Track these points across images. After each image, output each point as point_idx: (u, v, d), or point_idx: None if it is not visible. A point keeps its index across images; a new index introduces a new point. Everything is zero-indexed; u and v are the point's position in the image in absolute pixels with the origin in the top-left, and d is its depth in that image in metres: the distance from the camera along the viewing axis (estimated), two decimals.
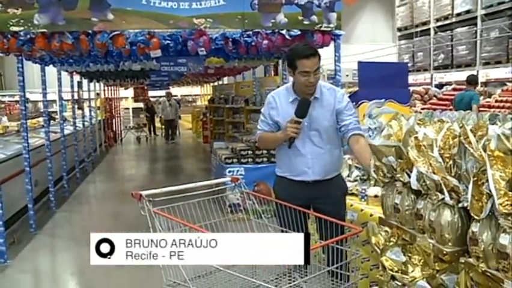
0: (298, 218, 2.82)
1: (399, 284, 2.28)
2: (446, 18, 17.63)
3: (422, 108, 11.34)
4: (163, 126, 19.10)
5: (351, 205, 3.63)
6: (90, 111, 13.29)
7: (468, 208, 1.94)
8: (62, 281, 4.52)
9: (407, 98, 5.39)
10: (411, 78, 17.51)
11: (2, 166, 5.69)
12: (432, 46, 18.21)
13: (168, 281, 2.47)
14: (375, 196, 3.46)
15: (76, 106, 10.62)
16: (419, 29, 19.37)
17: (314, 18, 5.01)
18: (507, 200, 1.74)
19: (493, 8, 15.16)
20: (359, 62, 5.83)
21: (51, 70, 8.02)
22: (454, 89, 13.33)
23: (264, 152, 6.19)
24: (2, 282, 4.37)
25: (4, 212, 5.03)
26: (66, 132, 8.76)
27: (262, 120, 3.05)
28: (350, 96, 5.79)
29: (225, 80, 16.12)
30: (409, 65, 17.11)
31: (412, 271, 2.22)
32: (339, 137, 3.05)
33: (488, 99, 11.41)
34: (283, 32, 5.02)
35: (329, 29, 5.08)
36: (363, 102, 5.06)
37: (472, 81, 8.63)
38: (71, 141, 9.43)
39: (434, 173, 2.10)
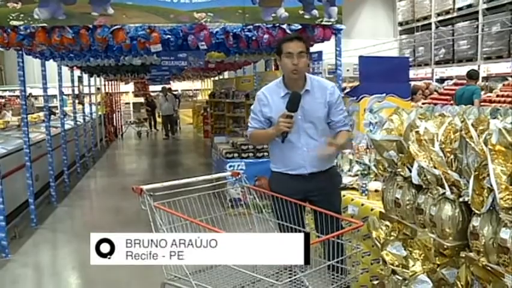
0: (295, 212, 2.83)
1: (400, 278, 2.28)
2: (447, 12, 17.57)
3: (423, 103, 11.33)
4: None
5: (352, 199, 3.63)
6: (91, 106, 13.28)
7: (469, 202, 1.94)
8: (63, 275, 4.53)
9: (408, 92, 5.38)
10: (412, 73, 17.48)
11: (3, 161, 5.69)
12: (433, 41, 18.16)
13: (169, 275, 2.48)
14: (376, 190, 3.46)
15: (77, 101, 10.61)
16: (420, 24, 19.30)
17: (315, 12, 4.99)
18: (508, 195, 1.73)
19: (494, 2, 15.11)
20: (360, 57, 5.80)
21: (51, 65, 8.01)
22: (455, 84, 13.30)
23: (265, 146, 6.19)
24: (4, 276, 4.38)
25: (5, 207, 5.04)
26: (66, 127, 8.75)
27: (253, 118, 3.00)
28: (350, 91, 5.79)
29: (226, 74, 16.09)
30: (410, 59, 17.07)
31: (413, 265, 2.23)
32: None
33: (489, 94, 11.39)
34: (284, 26, 5.01)
35: (330, 23, 5.06)
36: (364, 97, 5.05)
37: (473, 75, 8.60)
38: (71, 136, 9.43)
39: (435, 167, 2.10)
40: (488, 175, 1.80)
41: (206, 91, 21.53)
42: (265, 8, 4.94)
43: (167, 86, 17.05)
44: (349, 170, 4.15)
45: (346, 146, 2.81)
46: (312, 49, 6.00)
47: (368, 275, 3.28)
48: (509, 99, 10.87)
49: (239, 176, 3.01)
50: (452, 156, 2.08)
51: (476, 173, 1.87)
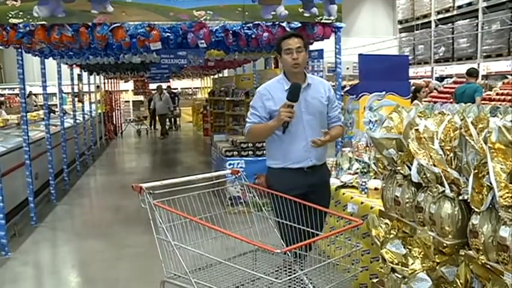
0: (295, 210, 2.83)
1: (400, 276, 2.28)
2: (447, 10, 17.55)
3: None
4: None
5: (352, 198, 3.64)
6: (90, 104, 13.27)
7: (468, 201, 1.94)
8: (63, 273, 4.53)
9: (407, 90, 5.38)
10: (412, 71, 17.48)
11: (3, 159, 5.69)
12: (433, 39, 18.15)
13: (169, 273, 2.48)
14: (376, 189, 3.46)
15: (76, 99, 10.60)
16: (419, 22, 19.28)
17: (315, 10, 4.99)
18: (507, 193, 1.73)
19: (494, 1, 15.09)
20: (360, 55, 5.81)
21: (51, 63, 8.00)
22: (455, 82, 13.32)
23: (265, 144, 6.19)
24: (4, 274, 4.39)
25: (5, 205, 5.04)
26: (66, 125, 8.74)
27: (253, 113, 3.07)
28: (350, 89, 5.79)
29: (225, 72, 16.07)
30: (410, 57, 17.06)
31: (412, 263, 2.23)
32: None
33: (489, 92, 11.40)
34: (284, 24, 5.00)
35: (330, 21, 5.05)
36: (363, 95, 5.06)
37: (473, 73, 8.59)
38: (71, 134, 9.42)
39: (434, 165, 2.10)
40: (488, 173, 1.79)
41: (206, 89, 21.51)
42: (265, 6, 4.93)
43: (163, 85, 16.70)
44: (349, 168, 4.15)
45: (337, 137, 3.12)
46: (312, 47, 6.00)
47: (368, 273, 3.28)
48: (509, 97, 10.89)
49: (239, 174, 3.01)
50: (451, 154, 2.08)
51: (476, 171, 1.87)
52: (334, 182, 4.06)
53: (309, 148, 2.98)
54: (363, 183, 3.69)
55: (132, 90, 22.88)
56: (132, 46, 5.21)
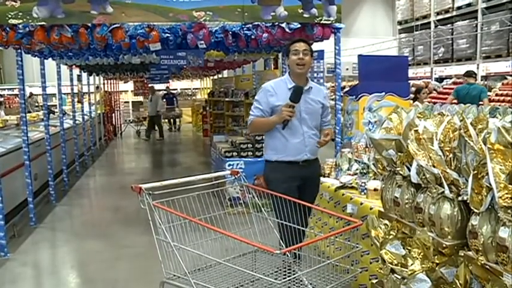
0: (294, 211, 2.86)
1: (399, 277, 2.28)
2: (446, 11, 17.56)
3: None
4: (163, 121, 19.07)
5: (351, 198, 3.64)
6: (90, 104, 13.26)
7: (468, 201, 1.94)
8: (62, 274, 4.53)
9: (407, 91, 5.37)
10: (412, 72, 17.48)
11: (2, 159, 5.68)
12: (432, 40, 18.16)
13: (168, 274, 2.48)
14: (375, 189, 3.46)
15: (76, 100, 10.59)
16: (419, 23, 19.29)
17: (314, 11, 4.98)
18: (507, 193, 1.73)
19: (493, 1, 15.10)
20: (359, 56, 5.81)
21: (50, 63, 7.99)
22: (454, 83, 13.31)
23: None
24: (3, 275, 4.38)
25: (4, 206, 5.03)
26: (66, 125, 8.74)
27: (256, 107, 3.39)
28: (349, 90, 5.79)
29: (225, 73, 16.06)
30: (409, 58, 17.06)
31: (412, 264, 2.23)
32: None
33: (488, 93, 11.40)
34: (283, 25, 5.00)
35: (329, 22, 5.05)
36: (363, 96, 5.05)
37: (472, 74, 8.59)
38: (70, 135, 9.41)
39: (434, 166, 2.10)
40: (487, 174, 1.79)
41: (205, 90, 21.50)
42: (265, 7, 4.93)
43: (155, 86, 16.18)
44: (348, 169, 4.15)
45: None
46: (312, 48, 6.00)
47: (367, 274, 3.28)
48: (508, 98, 10.90)
49: (238, 174, 3.02)
50: (451, 155, 2.08)
51: (475, 171, 1.87)
52: (333, 183, 4.06)
53: (305, 142, 3.33)
54: (363, 184, 3.69)
55: (132, 91, 22.87)
56: (132, 47, 5.21)
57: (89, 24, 4.86)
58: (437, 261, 2.18)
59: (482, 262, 1.89)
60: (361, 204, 3.48)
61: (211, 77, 17.44)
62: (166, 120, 19.07)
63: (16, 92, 15.79)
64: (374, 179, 3.70)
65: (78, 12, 4.75)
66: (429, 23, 18.70)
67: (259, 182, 5.92)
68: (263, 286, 2.30)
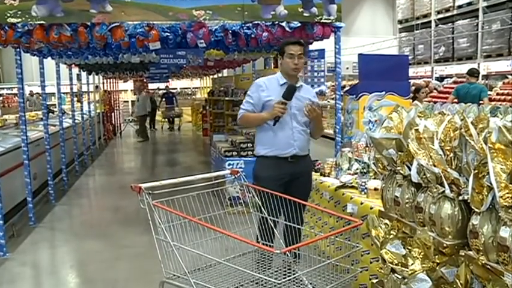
0: (287, 208, 2.90)
1: (399, 277, 2.27)
2: (447, 10, 17.55)
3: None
4: (163, 120, 19.09)
5: (351, 198, 3.63)
6: (89, 104, 13.25)
7: (468, 201, 1.93)
8: (61, 273, 4.52)
9: (407, 90, 5.36)
10: (412, 71, 17.49)
11: (1, 159, 5.68)
12: (433, 39, 18.15)
13: (168, 273, 2.47)
14: (375, 189, 3.45)
15: (75, 99, 10.58)
16: (419, 22, 19.29)
17: (314, 10, 4.97)
18: (508, 193, 1.73)
19: (494, 0, 15.09)
20: (359, 55, 5.79)
21: (49, 62, 7.97)
22: (455, 82, 13.31)
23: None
24: (2, 275, 4.37)
25: (3, 205, 5.02)
26: (65, 125, 8.73)
27: (248, 101, 3.47)
28: (350, 89, 5.78)
29: (225, 72, 16.05)
30: (410, 57, 17.06)
31: (412, 264, 2.22)
32: None
33: (489, 92, 11.38)
34: (283, 24, 4.99)
35: (329, 21, 5.04)
36: (363, 95, 5.04)
37: (475, 73, 8.57)
38: (70, 134, 9.40)
39: (434, 165, 2.09)
40: (488, 173, 1.79)
41: (205, 89, 21.50)
42: (265, 6, 4.92)
43: (144, 85, 15.80)
44: (348, 168, 4.14)
45: (319, 131, 3.60)
46: (313, 47, 6.00)
47: (367, 273, 3.27)
48: (509, 97, 10.88)
49: (238, 174, 3.02)
50: (451, 155, 2.07)
51: (476, 171, 1.86)
52: (334, 182, 4.05)
53: (294, 137, 3.39)
54: (363, 184, 3.68)
55: (131, 90, 22.87)
56: (131, 46, 5.19)
57: (89, 23, 4.84)
58: (438, 261, 2.17)
59: (483, 262, 1.88)
60: (361, 203, 3.47)
61: (211, 76, 17.43)
62: (166, 120, 19.09)
63: (15, 91, 15.79)
64: (374, 178, 3.69)
65: (77, 11, 4.74)
66: (429, 21, 18.70)
67: None
68: (263, 286, 2.29)
